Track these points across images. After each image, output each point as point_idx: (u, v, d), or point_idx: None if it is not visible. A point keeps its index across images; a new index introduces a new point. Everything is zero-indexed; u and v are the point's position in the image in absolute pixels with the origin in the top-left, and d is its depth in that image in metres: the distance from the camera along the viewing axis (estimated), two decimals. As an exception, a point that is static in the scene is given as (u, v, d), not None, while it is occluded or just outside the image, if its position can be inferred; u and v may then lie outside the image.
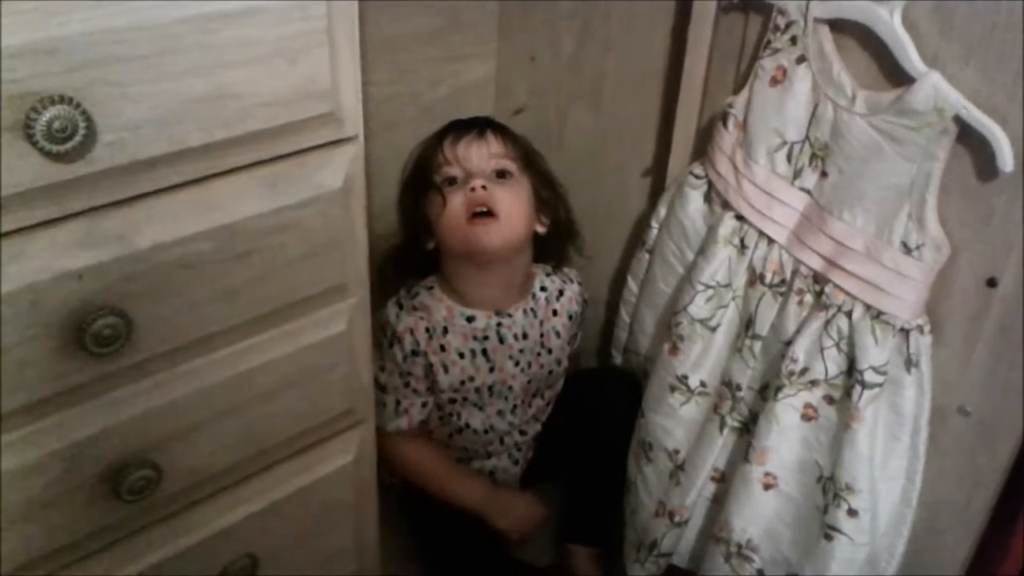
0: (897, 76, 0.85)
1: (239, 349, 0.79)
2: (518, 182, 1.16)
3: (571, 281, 1.28)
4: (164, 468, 0.77)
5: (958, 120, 0.81)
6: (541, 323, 1.22)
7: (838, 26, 0.90)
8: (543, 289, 1.24)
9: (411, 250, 1.20)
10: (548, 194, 1.22)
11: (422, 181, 1.17)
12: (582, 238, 1.30)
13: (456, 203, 1.12)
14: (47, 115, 0.58)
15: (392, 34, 1.28)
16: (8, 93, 0.57)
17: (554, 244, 1.25)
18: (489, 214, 1.11)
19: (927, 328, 0.89)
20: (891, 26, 0.83)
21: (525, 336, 1.20)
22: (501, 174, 1.15)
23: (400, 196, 1.23)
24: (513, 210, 1.13)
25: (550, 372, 1.26)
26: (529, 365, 1.22)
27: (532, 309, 1.22)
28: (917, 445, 0.92)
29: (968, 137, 0.82)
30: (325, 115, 0.74)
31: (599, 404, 1.27)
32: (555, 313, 1.24)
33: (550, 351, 1.24)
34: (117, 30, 0.60)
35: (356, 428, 0.93)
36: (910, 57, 0.82)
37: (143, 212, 0.68)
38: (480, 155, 1.15)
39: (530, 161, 1.21)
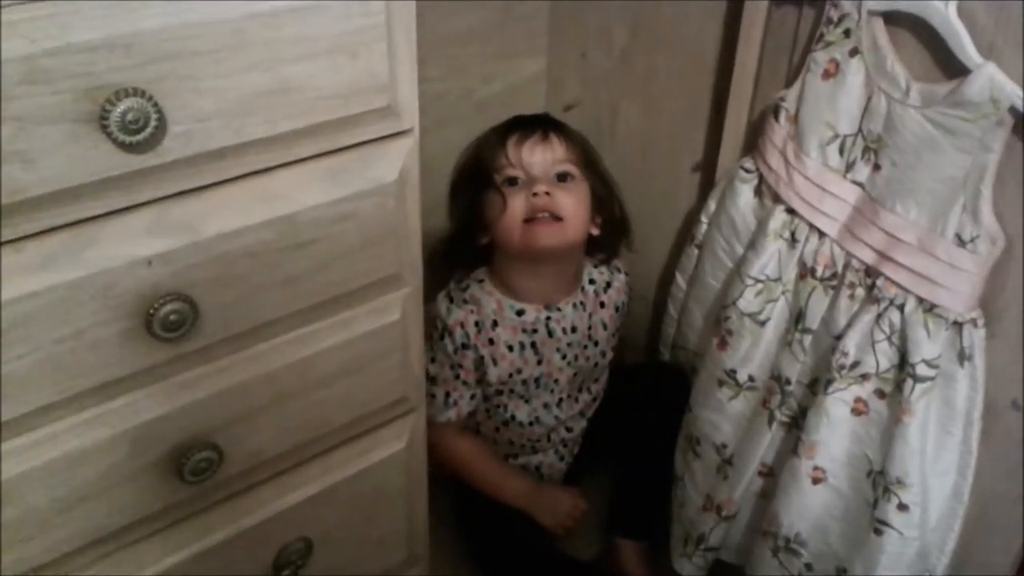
0: (952, 68, 0.85)
1: (298, 335, 0.81)
2: (578, 185, 1.17)
3: (619, 271, 1.28)
4: (226, 450, 0.80)
5: (1014, 111, 0.80)
6: (589, 316, 1.23)
7: (892, 18, 0.90)
8: (592, 282, 1.25)
9: (463, 244, 1.21)
10: (604, 193, 1.23)
11: (481, 178, 1.17)
12: (634, 234, 1.30)
13: (517, 205, 1.13)
14: (121, 107, 0.61)
15: (445, 31, 1.30)
16: (86, 86, 0.59)
17: (607, 240, 1.25)
18: (550, 217, 1.12)
19: (981, 321, 0.88)
20: (946, 17, 0.82)
21: (574, 329, 1.21)
22: (562, 177, 1.16)
23: (454, 189, 1.23)
24: (574, 214, 1.14)
25: (595, 365, 1.27)
26: (576, 358, 1.23)
27: (581, 302, 1.22)
28: (969, 439, 0.91)
29: (1024, 129, 0.81)
30: (383, 109, 0.76)
31: (647, 399, 1.27)
32: (602, 305, 1.25)
33: (596, 343, 1.25)
34: (188, 25, 0.62)
35: (408, 416, 0.95)
36: (965, 48, 0.82)
37: (210, 202, 0.70)
38: (544, 159, 1.15)
39: (589, 162, 1.21)
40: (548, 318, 1.20)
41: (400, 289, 0.87)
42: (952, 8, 0.82)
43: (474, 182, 1.18)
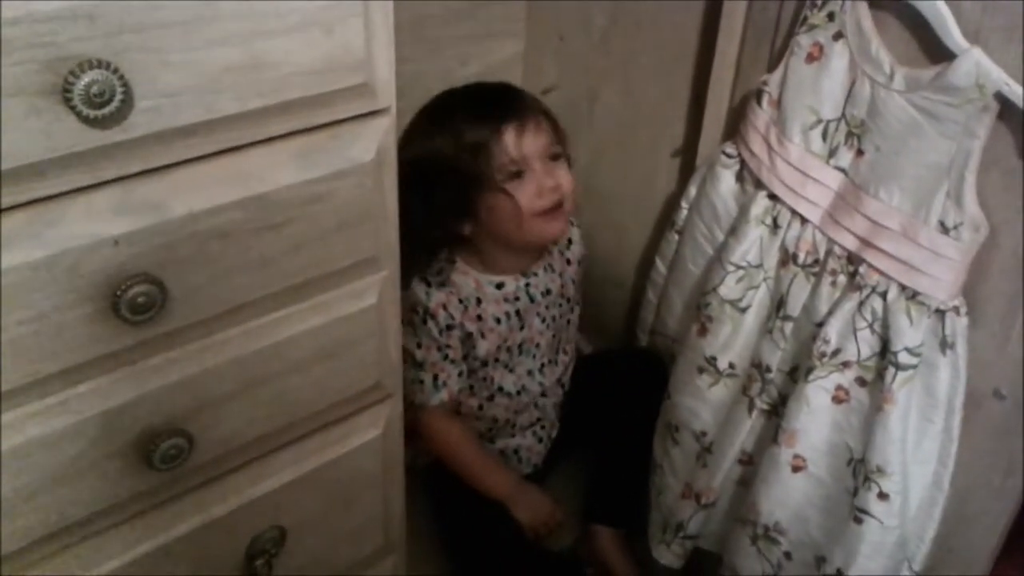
0: (937, 53, 0.84)
1: (272, 320, 0.79)
2: (565, 162, 1.16)
3: (573, 225, 1.28)
4: (196, 437, 0.78)
5: (999, 97, 0.79)
6: (560, 275, 1.25)
7: (877, 2, 0.88)
8: (555, 242, 1.25)
9: (438, 236, 1.16)
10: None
11: (475, 176, 1.09)
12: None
13: (527, 200, 1.09)
14: (85, 79, 0.58)
15: (422, 11, 1.28)
16: (48, 57, 0.57)
17: None
18: (560, 205, 1.12)
19: (963, 309, 0.87)
20: (932, 1, 0.81)
21: (549, 292, 1.23)
22: (554, 157, 1.14)
23: (422, 182, 1.10)
24: (572, 193, 1.15)
25: (568, 321, 1.28)
26: (554, 319, 1.24)
27: (551, 265, 1.24)
28: (951, 428, 0.91)
29: (1009, 115, 0.80)
30: (359, 86, 0.74)
31: (623, 385, 1.27)
32: (568, 262, 1.27)
33: (567, 299, 1.27)
34: (156, -5, 0.60)
35: (385, 402, 0.93)
36: (951, 33, 0.81)
37: (179, 180, 0.68)
38: (540, 145, 1.11)
39: (564, 134, 1.18)
40: (527, 284, 1.20)
41: (377, 273, 0.85)
42: (939, -9, 0.81)
43: (464, 179, 1.10)
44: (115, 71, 0.59)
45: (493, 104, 1.13)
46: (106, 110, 0.60)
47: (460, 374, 1.19)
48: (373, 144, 0.78)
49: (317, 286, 0.81)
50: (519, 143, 1.09)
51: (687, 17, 1.15)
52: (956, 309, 0.87)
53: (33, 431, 0.68)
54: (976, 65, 0.79)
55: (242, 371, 0.79)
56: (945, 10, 0.81)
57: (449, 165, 1.10)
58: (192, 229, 0.70)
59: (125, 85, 0.60)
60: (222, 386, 0.78)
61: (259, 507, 0.87)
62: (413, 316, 1.15)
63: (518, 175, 1.10)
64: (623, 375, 1.29)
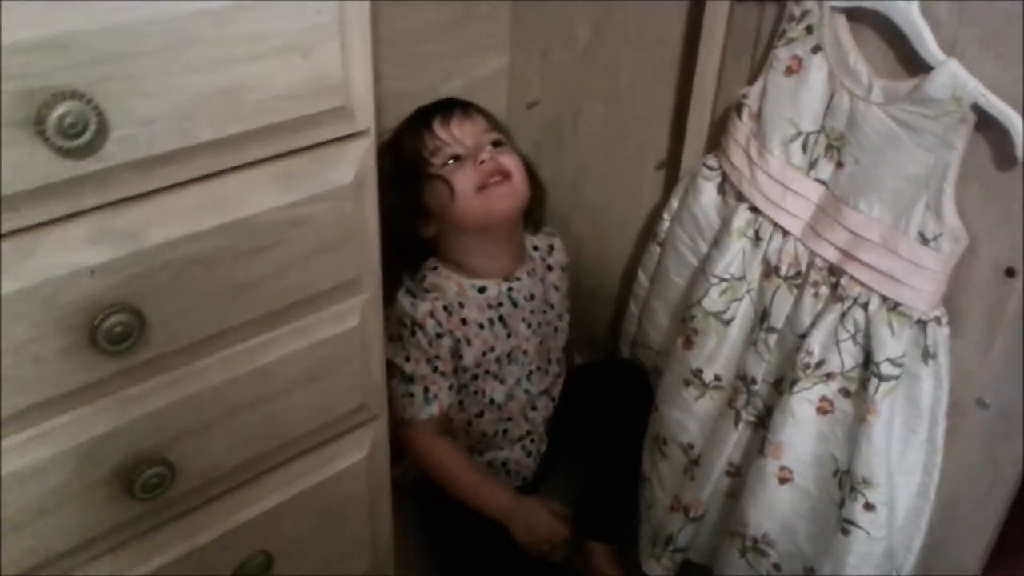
0: (914, 65, 0.84)
1: (253, 345, 0.79)
2: (511, 149, 1.19)
3: (552, 235, 1.31)
4: (178, 465, 0.77)
5: (976, 108, 0.79)
6: (542, 280, 1.25)
7: (855, 15, 0.88)
8: (536, 249, 1.26)
9: (407, 243, 1.19)
10: (524, 163, 1.23)
11: (414, 172, 1.16)
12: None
13: (466, 179, 1.12)
14: (59, 110, 0.58)
15: (406, 27, 1.28)
16: (20, 88, 0.56)
17: (533, 207, 1.25)
18: (503, 177, 1.13)
19: (945, 319, 0.88)
20: (909, 14, 0.81)
21: (533, 297, 1.23)
22: (495, 144, 1.17)
23: (385, 192, 1.17)
24: (519, 172, 1.16)
25: (555, 329, 1.28)
26: (540, 325, 1.24)
27: (533, 269, 1.24)
28: (935, 438, 0.91)
29: (987, 126, 0.80)
30: (337, 109, 0.74)
31: (610, 399, 1.27)
32: (550, 268, 1.27)
33: (553, 306, 1.27)
34: (130, 24, 0.60)
35: (370, 424, 0.93)
36: (927, 45, 0.81)
37: (156, 208, 0.68)
38: (475, 131, 1.16)
39: (507, 133, 1.24)
40: (510, 289, 1.20)
41: (359, 294, 0.85)
42: (914, 5, 0.81)
43: (406, 177, 1.16)
44: (89, 101, 0.59)
45: (424, 110, 1.20)
46: (80, 140, 0.60)
47: (451, 387, 1.18)
48: (353, 166, 0.78)
49: (299, 310, 0.80)
50: (447, 128, 1.16)
51: (669, 30, 1.15)
52: (937, 319, 0.87)
53: (12, 464, 0.67)
54: (952, 77, 0.79)
55: (224, 398, 0.78)
56: (921, 22, 0.81)
57: (394, 170, 1.16)
58: (170, 257, 0.69)
59: (99, 114, 0.60)
60: (204, 413, 0.78)
61: (244, 533, 0.86)
62: (401, 329, 1.15)
63: (454, 159, 1.14)
64: (605, 388, 1.28)
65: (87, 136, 0.60)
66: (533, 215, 1.26)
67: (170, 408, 0.75)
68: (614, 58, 1.25)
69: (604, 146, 1.32)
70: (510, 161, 1.15)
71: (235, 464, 0.82)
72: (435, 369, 1.16)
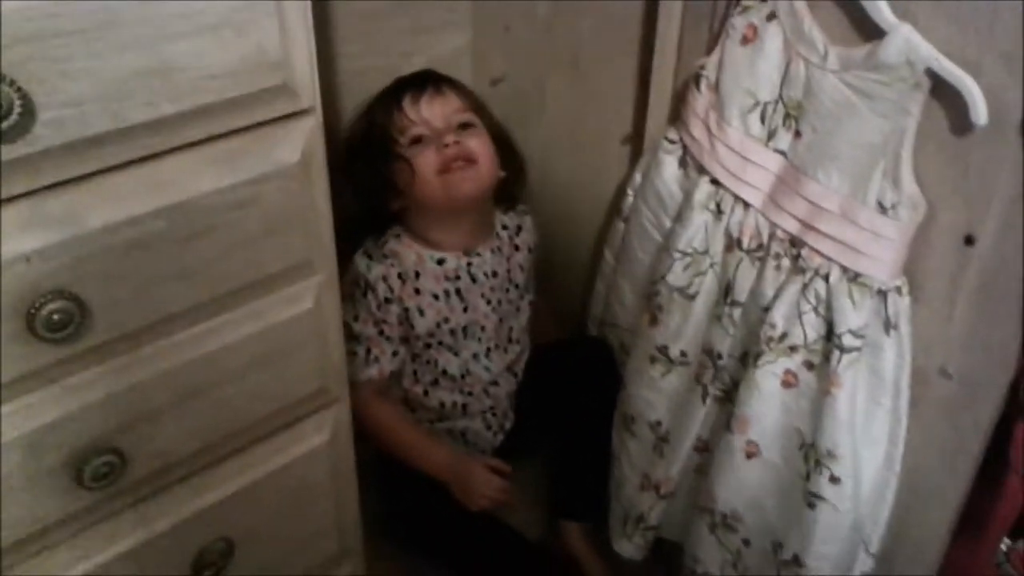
0: (869, 30, 0.83)
1: (203, 330, 0.77)
2: (480, 130, 1.18)
3: (525, 214, 1.30)
4: (130, 453, 0.76)
5: (931, 73, 0.78)
6: (508, 259, 1.24)
7: (808, -19, 0.87)
8: (504, 227, 1.26)
9: (375, 214, 1.20)
10: (501, 137, 1.23)
11: (382, 147, 1.16)
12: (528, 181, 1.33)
13: (427, 161, 1.12)
14: (-21, 94, 0.56)
15: (362, 6, 1.26)
16: (-64, 71, 0.55)
17: (508, 184, 1.25)
18: (467, 161, 1.12)
19: (905, 289, 0.87)
20: (860, -23, 0.80)
21: (495, 274, 1.22)
22: (463, 126, 1.16)
23: (351, 164, 1.20)
24: (485, 155, 1.15)
25: (518, 309, 1.27)
26: (500, 303, 1.23)
27: (498, 247, 1.23)
28: (898, 408, 0.90)
29: (942, 91, 0.79)
30: (278, 87, 0.72)
31: (577, 377, 1.26)
32: (517, 248, 1.26)
33: (517, 286, 1.26)
34: (52, 2, 0.58)
35: (331, 407, 0.92)
36: (880, 10, 0.80)
37: (91, 191, 0.66)
38: (444, 111, 1.15)
39: (481, 108, 1.22)
40: (469, 263, 1.20)
41: (312, 277, 0.83)
42: (867, -32, 0.80)
43: (375, 152, 1.16)
44: (12, 83, 0.58)
45: (401, 82, 1.19)
46: (5, 124, 0.58)
47: (395, 354, 1.19)
48: (298, 145, 0.76)
49: (249, 293, 0.79)
50: (416, 108, 1.15)
51: (628, 1, 1.13)
52: (898, 289, 0.86)
53: (-45, 455, 0.66)
54: (906, 42, 0.78)
55: (175, 384, 0.77)
56: (872, -16, 0.80)
57: (363, 143, 1.18)
58: (109, 241, 0.68)
59: (24, 98, 0.59)
60: (154, 400, 0.76)
61: (204, 520, 0.85)
62: (355, 289, 1.16)
63: (419, 140, 1.14)
64: (573, 366, 1.28)
65: (12, 119, 0.58)
66: (508, 190, 1.26)
67: (118, 396, 0.74)
68: (575, 31, 1.23)
69: (570, 121, 1.31)
70: (477, 144, 1.14)
71: (190, 451, 0.81)
72: (380, 332, 1.17)
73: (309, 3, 0.72)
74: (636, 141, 1.21)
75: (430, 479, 1.18)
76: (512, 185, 1.26)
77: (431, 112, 1.15)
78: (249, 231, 0.76)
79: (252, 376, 0.82)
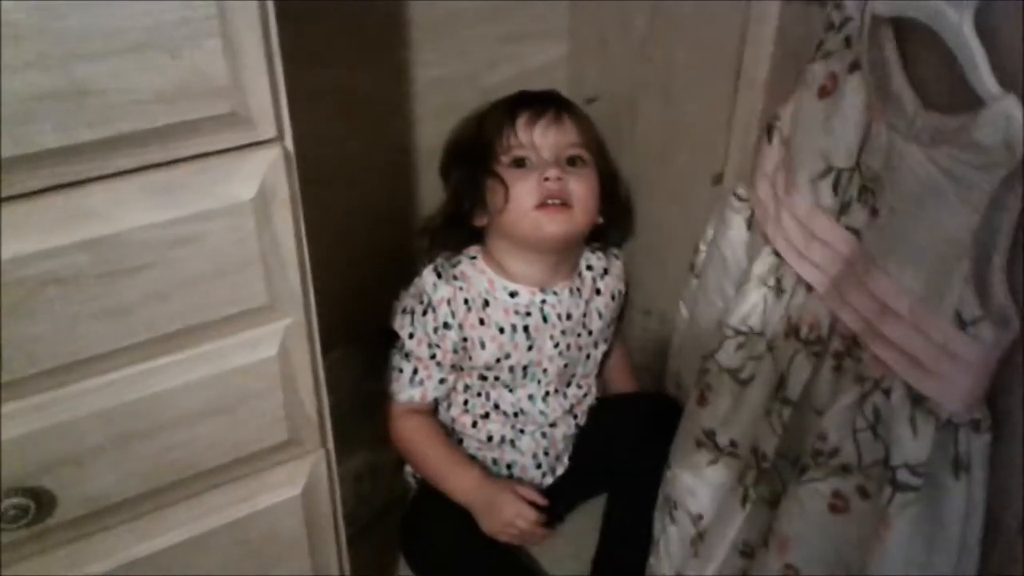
0: (971, 98, 0.65)
1: (143, 370, 0.70)
2: (589, 171, 1.10)
3: (616, 258, 1.20)
4: (59, 493, 0.70)
5: (1037, 161, 0.60)
6: (586, 303, 1.15)
7: (903, 28, 0.69)
8: (589, 268, 1.16)
9: (458, 224, 1.13)
10: (611, 179, 1.15)
11: (484, 158, 1.10)
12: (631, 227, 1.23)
13: (525, 190, 1.05)
14: None
15: (450, 9, 1.16)
16: None
17: (609, 228, 1.17)
18: (563, 204, 1.05)
19: (986, 424, 0.68)
20: (959, 31, 0.62)
21: (569, 316, 1.13)
22: (572, 161, 1.08)
23: (449, 165, 1.16)
24: (585, 201, 1.07)
25: (587, 356, 1.17)
26: (568, 347, 1.14)
27: (578, 288, 1.14)
28: (966, 568, 0.72)
29: (1053, 184, 0.61)
30: (225, 116, 0.63)
31: (643, 435, 1.14)
32: (599, 292, 1.16)
33: (590, 332, 1.16)
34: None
35: (304, 459, 0.83)
36: (980, 74, 0.61)
37: (3, 220, 0.60)
38: (557, 141, 1.08)
39: (598, 145, 1.14)
40: (543, 301, 1.11)
41: (275, 322, 0.75)
42: (968, 19, 0.61)
43: (475, 161, 1.11)
44: None
45: (522, 97, 1.13)
46: None
47: (442, 382, 1.12)
48: (255, 180, 0.67)
49: (198, 336, 0.71)
50: (528, 130, 1.09)
51: (725, 26, 0.97)
52: (975, 423, 0.68)
53: None
54: (1006, 119, 0.59)
55: (107, 425, 0.70)
56: (974, 43, 0.61)
57: (466, 148, 1.13)
58: (21, 274, 0.61)
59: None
60: (84, 441, 0.70)
61: (147, 566, 0.79)
62: (416, 304, 1.10)
63: (521, 163, 1.08)
64: (637, 421, 1.17)
65: None
66: (606, 234, 1.18)
67: (38, 434, 0.68)
68: (670, 52, 1.08)
69: (660, 151, 1.16)
70: (578, 187, 1.06)
71: (129, 495, 0.75)
72: (432, 356, 1.10)
73: (267, 23, 0.63)
74: (725, 184, 1.05)
75: (458, 507, 1.09)
76: (613, 228, 1.19)
77: (543, 139, 1.08)
78: (192, 271, 0.68)
79: (206, 422, 0.75)
